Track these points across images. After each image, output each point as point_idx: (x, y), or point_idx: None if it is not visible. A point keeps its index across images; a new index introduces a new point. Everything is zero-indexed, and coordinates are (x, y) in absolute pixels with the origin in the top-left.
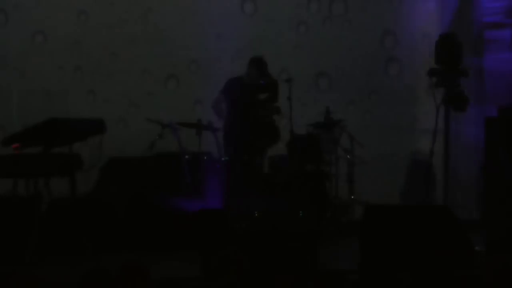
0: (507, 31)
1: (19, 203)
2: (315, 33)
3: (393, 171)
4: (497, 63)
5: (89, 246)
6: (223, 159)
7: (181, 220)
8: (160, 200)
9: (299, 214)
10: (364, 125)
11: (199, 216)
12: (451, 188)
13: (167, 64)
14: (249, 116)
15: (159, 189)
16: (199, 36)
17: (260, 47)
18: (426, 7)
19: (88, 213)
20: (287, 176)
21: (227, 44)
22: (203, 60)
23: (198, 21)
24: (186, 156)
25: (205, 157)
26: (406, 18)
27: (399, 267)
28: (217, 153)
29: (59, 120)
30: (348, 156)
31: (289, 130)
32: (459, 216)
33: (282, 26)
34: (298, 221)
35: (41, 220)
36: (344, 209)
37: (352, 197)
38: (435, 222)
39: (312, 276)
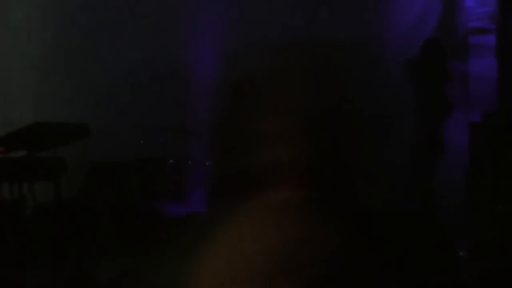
0: (492, 36)
1: (3, 207)
2: (300, 37)
3: (377, 176)
4: (481, 68)
5: (73, 251)
6: (207, 163)
7: (165, 224)
8: (144, 205)
9: None
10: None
11: (183, 221)
12: (435, 193)
13: (151, 68)
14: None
15: (143, 194)
16: (184, 40)
17: (245, 52)
18: (411, 12)
19: (72, 218)
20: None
21: (213, 49)
22: (188, 64)
23: (184, 25)
24: (171, 161)
25: (190, 162)
26: (391, 23)
27: (382, 273)
28: (202, 157)
29: (43, 124)
30: None
31: None
32: (443, 221)
33: (267, 30)
34: None
35: (25, 225)
36: None
37: None
38: (419, 228)
39: None
